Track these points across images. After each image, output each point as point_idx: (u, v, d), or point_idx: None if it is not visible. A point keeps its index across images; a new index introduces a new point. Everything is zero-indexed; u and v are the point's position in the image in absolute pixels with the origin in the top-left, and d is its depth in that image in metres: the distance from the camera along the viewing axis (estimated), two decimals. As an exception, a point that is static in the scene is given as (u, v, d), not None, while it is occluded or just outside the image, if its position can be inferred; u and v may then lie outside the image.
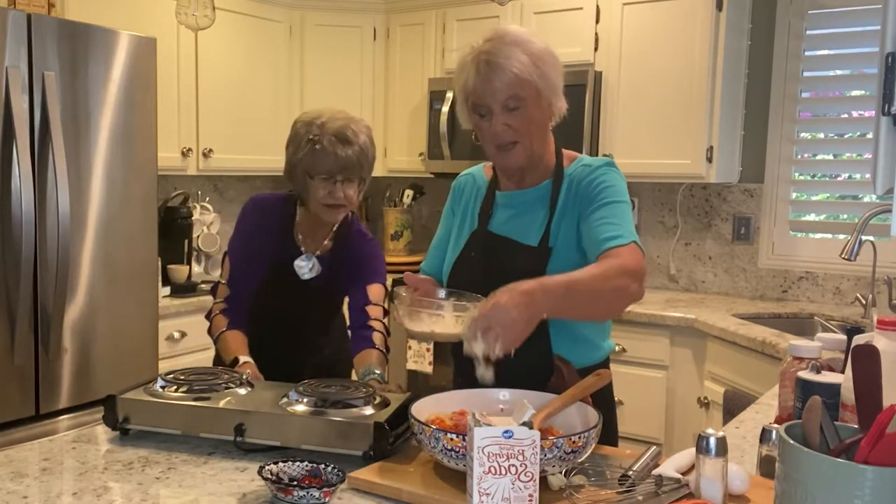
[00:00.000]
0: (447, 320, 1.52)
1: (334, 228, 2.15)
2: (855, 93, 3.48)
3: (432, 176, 4.13)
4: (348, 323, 2.17)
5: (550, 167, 1.77)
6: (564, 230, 1.70)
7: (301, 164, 2.02)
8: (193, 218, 3.77)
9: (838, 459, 0.98)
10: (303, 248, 2.13)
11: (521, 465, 1.14)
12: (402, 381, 3.83)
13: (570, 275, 1.49)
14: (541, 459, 1.18)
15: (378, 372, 1.97)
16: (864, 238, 2.87)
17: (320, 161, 1.99)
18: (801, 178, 3.60)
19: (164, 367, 3.05)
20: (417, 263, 3.97)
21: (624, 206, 1.67)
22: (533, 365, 1.62)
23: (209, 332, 2.10)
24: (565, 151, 1.80)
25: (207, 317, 2.13)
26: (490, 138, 1.70)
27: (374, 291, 2.15)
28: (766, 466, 1.39)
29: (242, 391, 1.64)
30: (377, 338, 2.07)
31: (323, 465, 1.34)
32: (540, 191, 1.76)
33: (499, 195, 1.81)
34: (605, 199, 1.66)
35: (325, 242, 2.15)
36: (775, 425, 1.39)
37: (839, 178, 3.62)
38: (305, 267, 2.11)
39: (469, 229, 1.82)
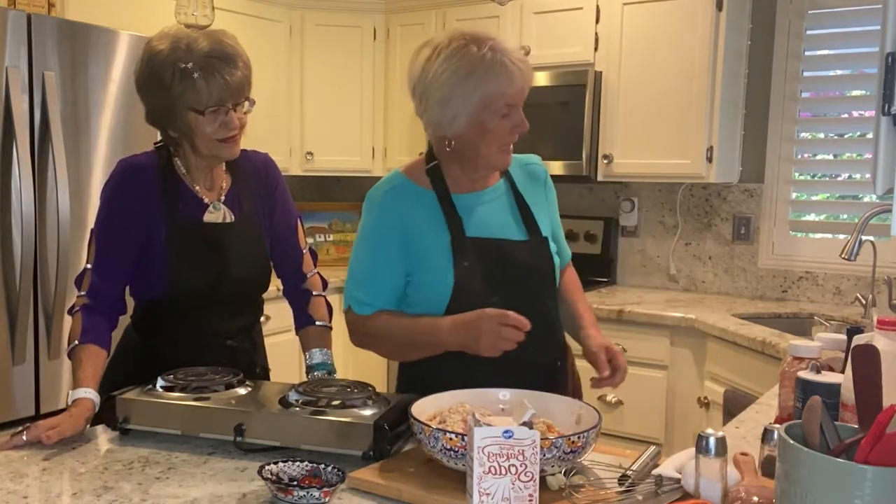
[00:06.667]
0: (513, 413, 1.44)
1: (225, 163, 1.87)
2: (855, 93, 3.48)
3: (432, 176, 4.12)
4: (280, 288, 2.03)
5: None
6: (542, 221, 1.80)
7: (182, 102, 1.71)
8: (193, 218, 3.76)
9: (838, 459, 0.98)
10: (206, 199, 1.84)
11: (521, 465, 1.14)
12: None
13: (588, 308, 1.90)
14: (540, 459, 1.18)
15: (329, 363, 1.94)
16: (864, 238, 2.87)
17: (208, 91, 1.70)
18: (801, 178, 3.60)
19: (164, 367, 3.05)
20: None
21: None
22: (551, 345, 1.79)
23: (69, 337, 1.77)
24: None
25: (70, 312, 1.82)
26: (502, 137, 1.69)
27: (302, 236, 2.00)
28: (767, 467, 1.39)
29: (242, 391, 1.64)
30: (318, 308, 2.00)
31: (323, 465, 1.34)
32: (499, 189, 1.80)
33: (459, 198, 1.74)
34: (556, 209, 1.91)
35: (223, 184, 1.89)
36: (776, 425, 1.39)
37: (839, 178, 3.62)
38: (217, 218, 1.85)
39: (443, 240, 1.71)
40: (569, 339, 1.88)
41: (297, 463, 1.34)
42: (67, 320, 2.10)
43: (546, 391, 1.55)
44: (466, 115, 1.66)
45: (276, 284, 2.01)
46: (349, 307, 1.76)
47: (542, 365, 1.75)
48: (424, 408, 1.43)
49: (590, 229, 3.87)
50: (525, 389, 1.52)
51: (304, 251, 2.03)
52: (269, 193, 1.95)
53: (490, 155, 1.71)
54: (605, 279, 3.91)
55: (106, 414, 1.61)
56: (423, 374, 1.73)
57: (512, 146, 1.72)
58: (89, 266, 1.81)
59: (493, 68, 1.63)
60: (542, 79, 3.63)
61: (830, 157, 3.62)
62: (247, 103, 1.79)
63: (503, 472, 1.14)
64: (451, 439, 1.27)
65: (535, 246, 1.76)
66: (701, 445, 1.21)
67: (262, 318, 2.05)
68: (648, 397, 3.24)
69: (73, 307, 1.81)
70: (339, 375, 1.97)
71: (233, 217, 1.87)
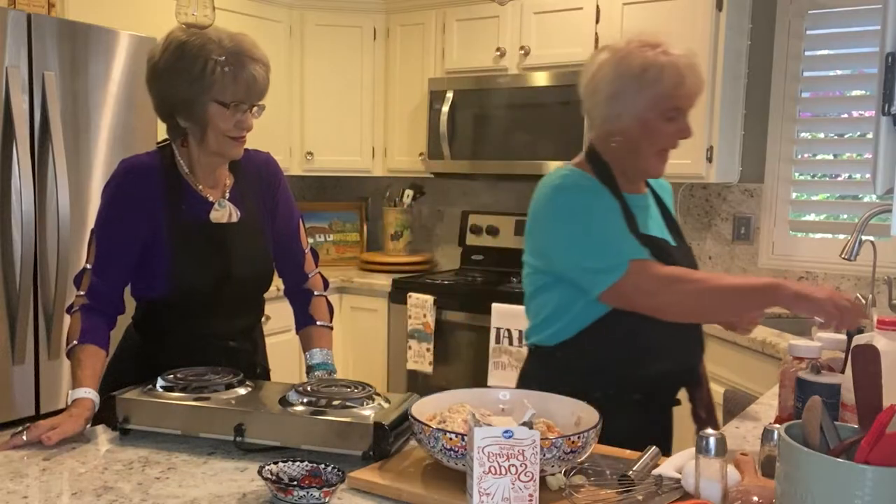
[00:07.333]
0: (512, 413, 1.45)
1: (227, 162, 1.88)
2: (855, 93, 3.48)
3: (432, 176, 4.13)
4: (281, 288, 2.03)
5: None
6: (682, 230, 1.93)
7: (207, 94, 1.73)
8: (193, 218, 3.75)
9: (838, 459, 0.98)
10: (210, 198, 1.84)
11: (521, 465, 1.14)
12: (403, 381, 3.83)
13: None
14: (540, 459, 1.18)
15: (330, 363, 1.94)
16: (864, 238, 2.87)
17: (235, 85, 1.73)
18: (801, 178, 3.60)
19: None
20: (417, 263, 4.01)
21: None
22: (700, 345, 1.90)
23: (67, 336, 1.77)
24: None
25: (68, 311, 1.81)
26: (665, 140, 1.74)
27: (304, 236, 2.00)
28: (767, 467, 1.39)
29: (242, 391, 1.64)
30: (319, 308, 2.01)
31: (323, 465, 1.34)
32: (650, 196, 1.89)
33: (629, 197, 1.79)
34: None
35: (227, 181, 1.89)
36: (776, 425, 1.39)
37: (839, 178, 3.62)
38: (223, 216, 1.85)
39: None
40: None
41: (297, 463, 1.34)
42: (67, 320, 2.12)
43: (691, 388, 1.86)
44: (633, 113, 1.72)
45: (276, 284, 2.01)
46: (630, 265, 1.64)
47: (693, 364, 1.89)
48: (424, 408, 1.43)
49: (590, 229, 3.87)
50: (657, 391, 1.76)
51: (306, 251, 2.03)
52: (272, 193, 1.95)
53: (648, 157, 1.76)
54: (605, 279, 3.90)
55: (106, 414, 1.61)
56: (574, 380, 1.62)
57: (668, 156, 1.77)
58: (88, 266, 1.80)
59: (665, 70, 1.69)
60: (541, 79, 3.63)
61: (830, 157, 3.62)
62: (256, 108, 1.80)
63: (503, 472, 1.14)
64: (451, 439, 1.27)
65: (686, 251, 1.90)
66: (701, 445, 1.21)
67: (263, 318, 2.06)
68: (648, 397, 3.24)
69: (71, 306, 1.80)
70: (339, 375, 1.97)
71: (238, 214, 1.87)
